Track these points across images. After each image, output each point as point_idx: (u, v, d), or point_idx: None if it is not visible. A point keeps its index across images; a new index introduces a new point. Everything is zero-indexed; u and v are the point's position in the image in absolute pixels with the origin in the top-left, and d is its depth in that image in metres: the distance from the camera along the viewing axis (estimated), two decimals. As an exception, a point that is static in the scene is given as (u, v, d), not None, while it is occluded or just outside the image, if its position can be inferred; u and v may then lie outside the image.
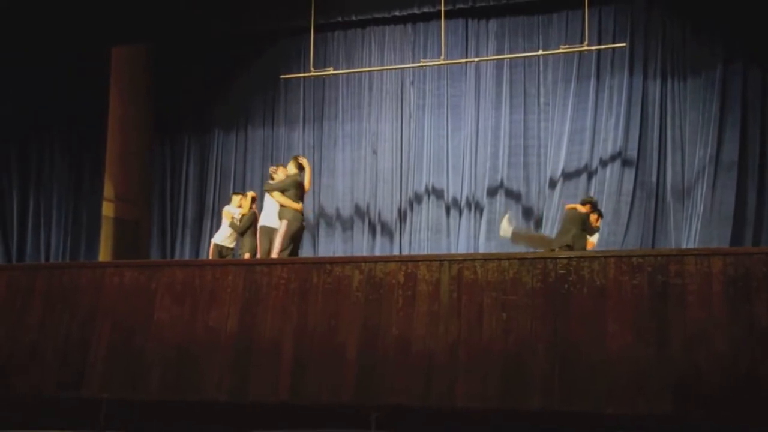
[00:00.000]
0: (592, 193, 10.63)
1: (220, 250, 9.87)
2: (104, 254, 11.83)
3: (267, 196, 9.09)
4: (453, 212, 11.51)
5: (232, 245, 9.95)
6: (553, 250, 8.61)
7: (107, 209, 12.08)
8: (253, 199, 9.97)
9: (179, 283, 6.98)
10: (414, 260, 6.56)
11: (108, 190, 12.07)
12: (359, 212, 11.96)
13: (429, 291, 6.28)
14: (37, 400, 7.01)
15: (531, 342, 5.91)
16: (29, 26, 10.51)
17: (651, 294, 5.78)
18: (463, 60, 11.12)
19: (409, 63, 11.51)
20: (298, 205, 8.79)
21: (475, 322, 6.08)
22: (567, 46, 10.17)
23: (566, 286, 5.98)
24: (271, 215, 8.99)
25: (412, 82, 11.88)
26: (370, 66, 11.87)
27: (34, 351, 7.15)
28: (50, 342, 7.13)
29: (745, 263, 5.65)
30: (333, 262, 6.83)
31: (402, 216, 11.76)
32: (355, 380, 6.21)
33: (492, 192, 11.31)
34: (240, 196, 10.10)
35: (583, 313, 5.88)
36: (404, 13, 11.30)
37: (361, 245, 11.78)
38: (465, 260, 6.35)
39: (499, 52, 11.34)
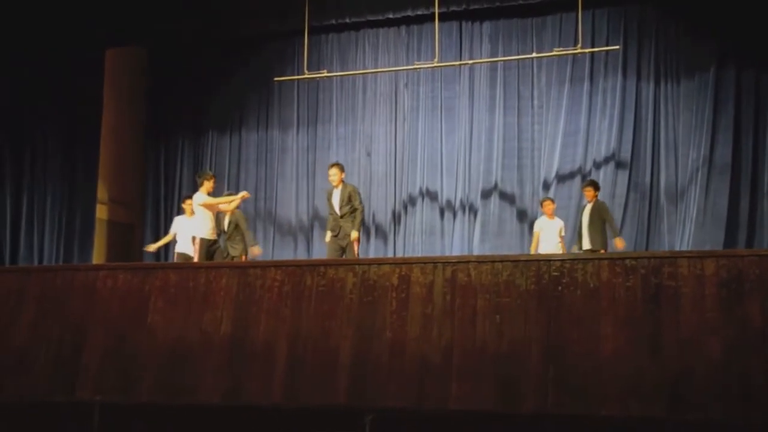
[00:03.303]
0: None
1: (209, 244, 8.95)
2: (98, 257, 11.79)
3: (199, 209, 8.82)
4: (447, 214, 11.51)
5: (215, 237, 9.13)
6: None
7: (101, 212, 12.04)
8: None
9: (173, 286, 6.96)
10: (408, 262, 6.55)
11: (101, 193, 12.03)
12: (353, 215, 11.93)
13: (423, 293, 6.27)
14: (30, 404, 6.98)
15: (524, 344, 5.90)
16: (22, 28, 10.47)
17: (644, 296, 5.79)
18: (457, 62, 11.14)
19: (403, 65, 11.49)
20: None
21: (468, 325, 6.07)
22: (560, 49, 10.18)
23: (560, 288, 5.98)
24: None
25: (406, 85, 11.88)
26: (364, 68, 11.86)
27: (26, 354, 7.12)
28: (43, 345, 7.10)
29: (737, 265, 5.66)
30: (327, 264, 6.81)
31: (396, 218, 11.76)
32: (349, 383, 6.20)
33: (486, 194, 11.32)
34: (210, 180, 9.14)
35: (577, 316, 5.88)
36: (398, 15, 11.32)
37: (355, 247, 11.76)
38: (459, 262, 6.35)
39: (493, 54, 11.35)
